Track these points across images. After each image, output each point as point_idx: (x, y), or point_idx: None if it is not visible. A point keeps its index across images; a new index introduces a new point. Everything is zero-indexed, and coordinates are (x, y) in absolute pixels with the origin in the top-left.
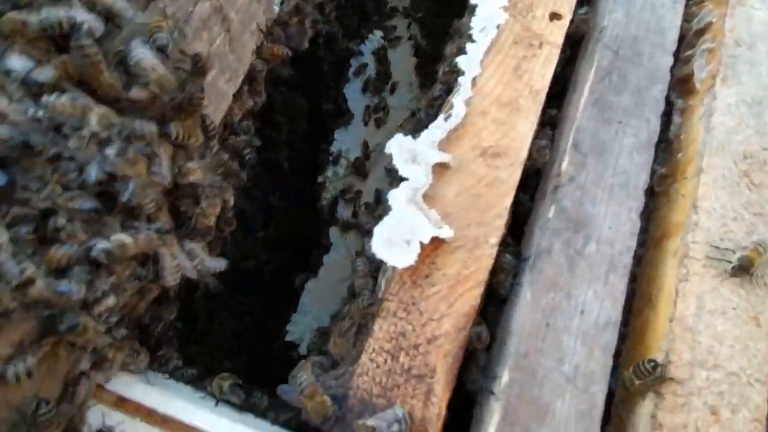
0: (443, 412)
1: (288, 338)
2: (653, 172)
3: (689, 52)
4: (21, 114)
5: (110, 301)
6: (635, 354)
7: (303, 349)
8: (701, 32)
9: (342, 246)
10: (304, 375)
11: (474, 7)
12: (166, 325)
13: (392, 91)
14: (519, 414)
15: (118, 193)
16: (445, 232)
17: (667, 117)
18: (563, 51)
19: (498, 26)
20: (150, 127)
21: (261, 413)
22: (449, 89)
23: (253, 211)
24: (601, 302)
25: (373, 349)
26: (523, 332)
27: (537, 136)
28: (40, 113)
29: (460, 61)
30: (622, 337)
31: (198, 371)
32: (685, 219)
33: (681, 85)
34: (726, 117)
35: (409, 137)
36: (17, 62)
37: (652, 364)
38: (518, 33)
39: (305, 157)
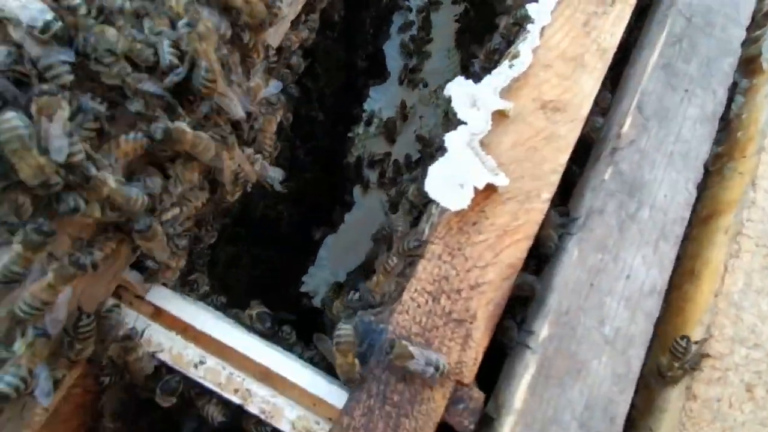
0: (480, 357)
1: (303, 289)
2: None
3: (758, 32)
4: None
5: (176, 210)
6: (671, 328)
7: (317, 302)
8: None
9: (364, 205)
10: (345, 329)
11: None
12: (204, 248)
13: (429, 55)
14: (555, 368)
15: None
16: (501, 180)
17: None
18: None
19: None
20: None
21: (289, 347)
22: (510, 42)
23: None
24: (648, 269)
25: (416, 289)
26: (566, 289)
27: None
28: None
29: (530, 9)
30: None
31: (227, 299)
32: (741, 196)
33: (746, 64)
34: None
35: (470, 81)
36: None
37: (686, 340)
38: None
39: (339, 112)
